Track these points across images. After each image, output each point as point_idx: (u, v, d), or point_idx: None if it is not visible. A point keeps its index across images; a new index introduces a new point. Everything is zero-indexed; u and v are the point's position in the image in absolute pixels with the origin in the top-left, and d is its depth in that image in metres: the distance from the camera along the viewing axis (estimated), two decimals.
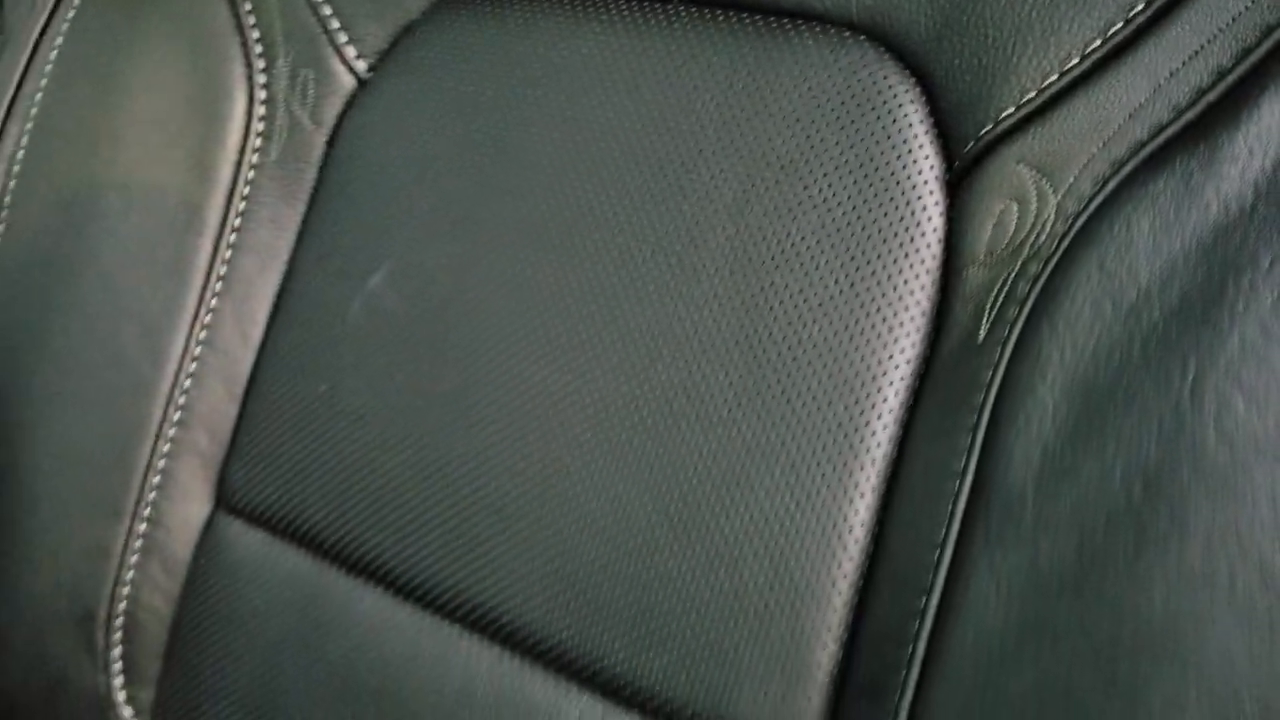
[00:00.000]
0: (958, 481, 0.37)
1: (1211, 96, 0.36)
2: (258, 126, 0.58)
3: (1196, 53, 0.36)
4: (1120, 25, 0.38)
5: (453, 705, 0.47)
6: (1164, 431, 0.33)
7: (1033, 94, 0.39)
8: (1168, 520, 0.33)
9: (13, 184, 0.64)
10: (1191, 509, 0.32)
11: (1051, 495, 0.35)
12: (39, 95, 0.64)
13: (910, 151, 0.42)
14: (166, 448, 0.58)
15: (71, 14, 0.64)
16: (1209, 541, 0.32)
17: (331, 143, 0.58)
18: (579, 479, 0.45)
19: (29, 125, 0.63)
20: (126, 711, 0.58)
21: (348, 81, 0.58)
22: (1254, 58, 0.35)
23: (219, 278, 0.58)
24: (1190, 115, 0.36)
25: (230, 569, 0.56)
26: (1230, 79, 0.35)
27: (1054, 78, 0.39)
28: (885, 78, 0.43)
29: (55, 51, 0.64)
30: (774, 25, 0.46)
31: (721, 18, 0.48)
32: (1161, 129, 0.36)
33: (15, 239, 0.63)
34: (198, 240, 0.58)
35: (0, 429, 0.61)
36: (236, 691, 0.53)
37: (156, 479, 0.58)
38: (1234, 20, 0.36)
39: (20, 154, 0.64)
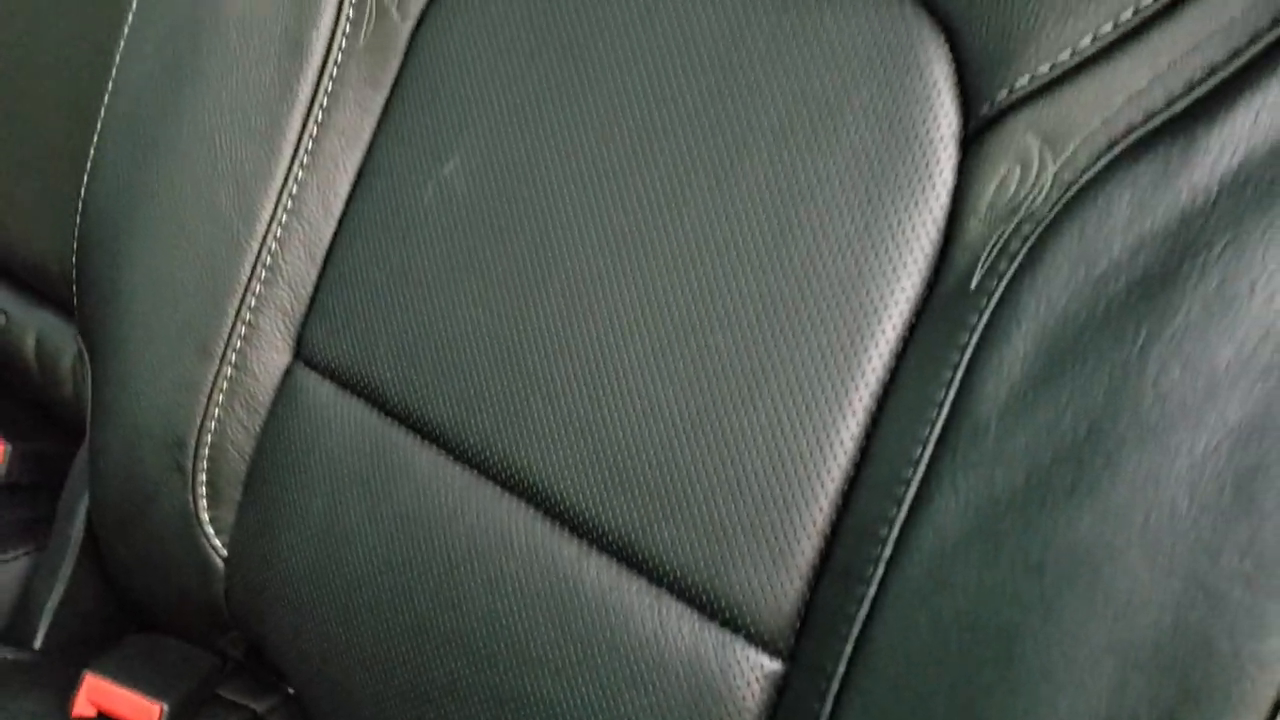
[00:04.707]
0: (937, 410, 0.43)
1: (1200, 91, 0.40)
2: (349, 13, 0.63)
3: (1195, 47, 0.40)
4: (1131, 13, 0.42)
5: (492, 554, 0.54)
6: (1111, 385, 0.39)
7: (1047, 67, 0.43)
8: (1103, 462, 0.38)
9: (122, 45, 0.70)
10: (1124, 455, 0.38)
11: (1011, 430, 0.40)
12: None
13: (933, 107, 0.46)
14: (253, 301, 0.64)
15: None
16: (1133, 484, 0.38)
17: (416, 34, 0.63)
18: (621, 364, 0.51)
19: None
20: (210, 529, 0.66)
21: None
22: (1241, 59, 0.39)
23: (307, 151, 0.64)
24: (1180, 105, 0.40)
25: (305, 414, 0.63)
26: (1218, 76, 0.39)
27: (1067, 55, 0.43)
28: (918, 32, 0.47)
29: None
30: None
31: None
32: (1154, 115, 0.41)
33: (126, 86, 0.69)
34: (289, 115, 0.64)
35: (110, 259, 0.68)
36: (309, 520, 0.61)
37: (243, 329, 0.65)
38: (1231, 21, 0.39)
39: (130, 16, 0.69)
